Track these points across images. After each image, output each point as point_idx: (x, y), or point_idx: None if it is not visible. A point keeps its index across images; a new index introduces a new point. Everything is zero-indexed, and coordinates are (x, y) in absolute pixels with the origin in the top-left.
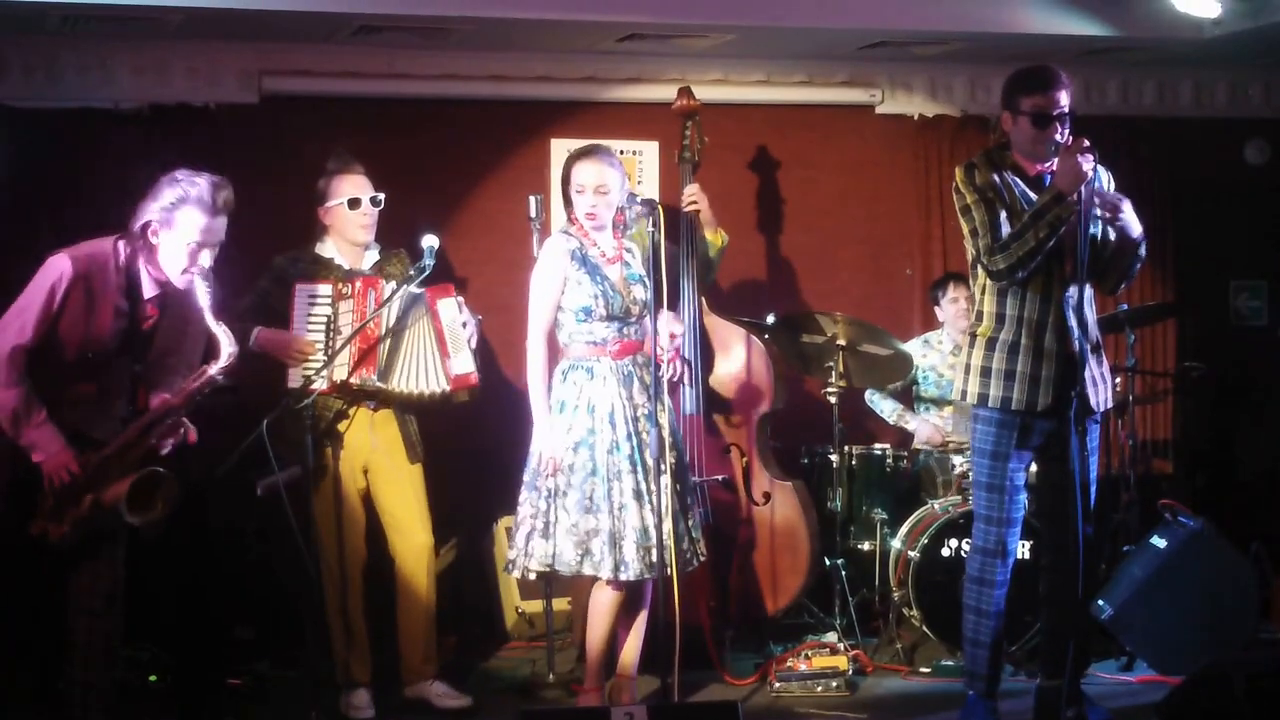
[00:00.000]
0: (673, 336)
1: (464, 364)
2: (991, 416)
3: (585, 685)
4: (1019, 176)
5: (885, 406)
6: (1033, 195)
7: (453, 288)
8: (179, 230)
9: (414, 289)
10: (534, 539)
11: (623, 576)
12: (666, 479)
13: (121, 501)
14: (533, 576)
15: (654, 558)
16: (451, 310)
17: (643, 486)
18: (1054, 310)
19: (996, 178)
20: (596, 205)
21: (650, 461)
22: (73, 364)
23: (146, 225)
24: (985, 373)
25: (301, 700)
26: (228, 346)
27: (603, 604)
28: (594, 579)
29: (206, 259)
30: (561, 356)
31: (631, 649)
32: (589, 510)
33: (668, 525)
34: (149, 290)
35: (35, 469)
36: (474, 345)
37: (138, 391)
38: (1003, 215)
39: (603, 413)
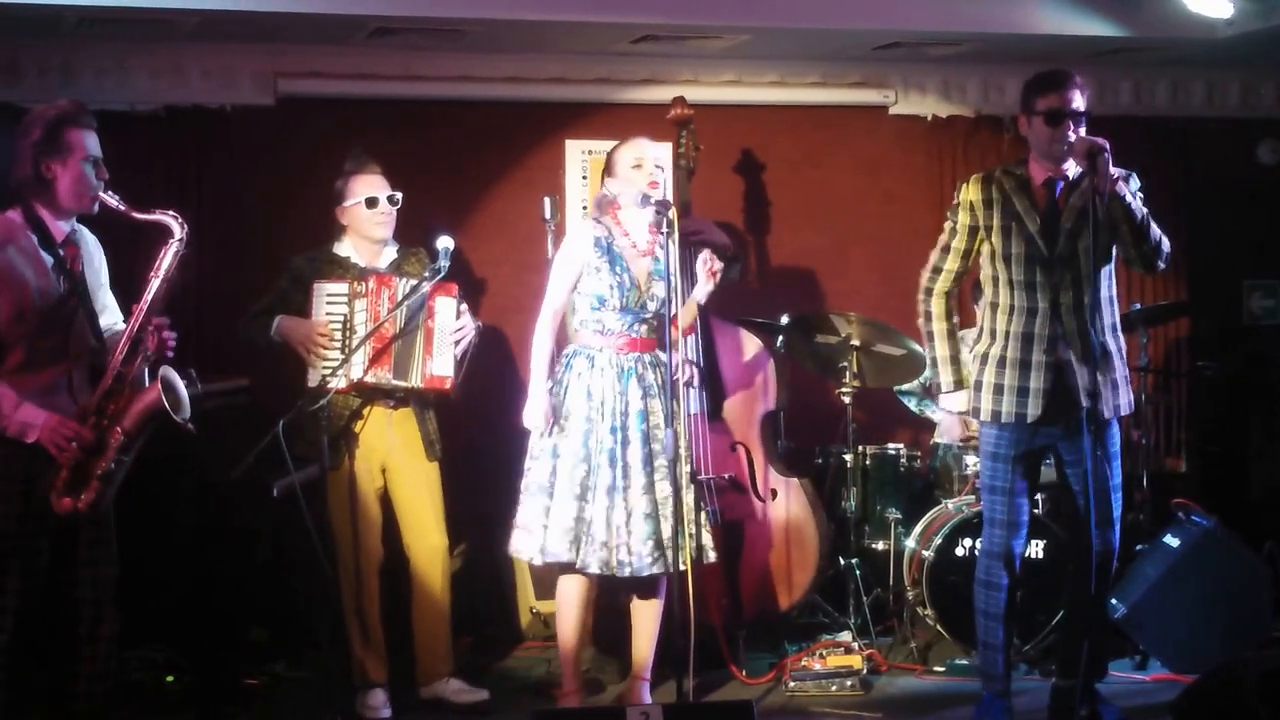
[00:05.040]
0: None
1: (442, 366)
2: (994, 422)
3: (564, 688)
4: (1022, 191)
5: (911, 399)
6: (1034, 210)
7: (455, 288)
8: (74, 152)
9: (418, 284)
10: (516, 527)
11: (588, 571)
12: (684, 478)
13: (160, 405)
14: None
15: (619, 556)
16: (447, 310)
17: (618, 484)
18: (1041, 322)
19: (987, 196)
20: (655, 175)
21: (666, 460)
22: (32, 335)
23: (36, 167)
24: (978, 387)
25: (317, 701)
26: (175, 224)
27: (568, 597)
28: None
29: (105, 174)
30: (568, 342)
31: (642, 649)
32: (579, 498)
33: (683, 525)
34: (60, 234)
35: (40, 458)
36: (461, 350)
37: (100, 341)
38: (957, 242)
39: (596, 402)
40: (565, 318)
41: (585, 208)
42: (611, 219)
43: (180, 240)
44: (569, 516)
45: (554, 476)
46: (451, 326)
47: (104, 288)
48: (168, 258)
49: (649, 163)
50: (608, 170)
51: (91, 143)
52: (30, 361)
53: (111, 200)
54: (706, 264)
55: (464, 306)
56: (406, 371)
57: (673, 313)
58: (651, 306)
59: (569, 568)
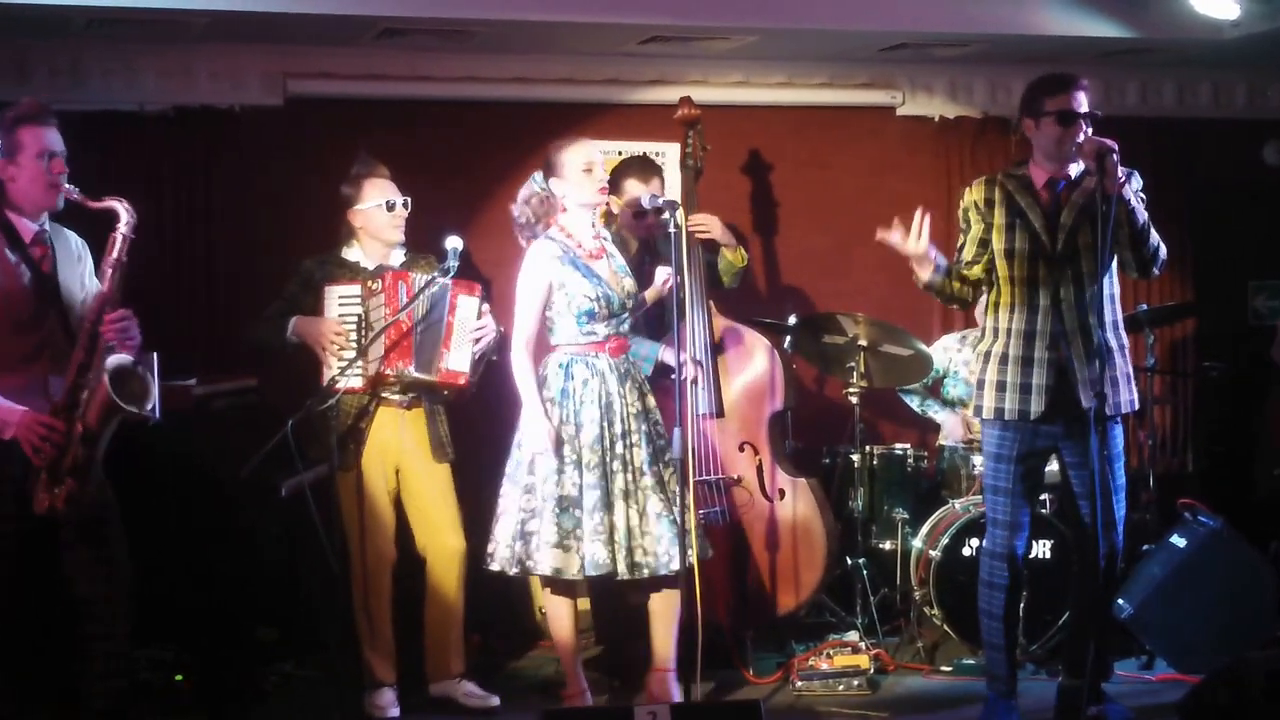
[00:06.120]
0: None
1: (459, 362)
2: (996, 421)
3: (568, 690)
4: (1025, 190)
5: (914, 399)
6: (1037, 207)
7: (479, 288)
8: (26, 149)
9: (445, 281)
10: (542, 546)
11: (619, 577)
12: (690, 478)
13: (109, 396)
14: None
15: (637, 558)
16: (469, 308)
17: (631, 486)
18: (1043, 318)
19: (989, 196)
20: (603, 180)
21: (675, 460)
22: (4, 337)
23: None
24: (981, 385)
25: (326, 700)
26: (123, 209)
27: (560, 612)
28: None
29: (62, 168)
30: (556, 350)
31: (664, 642)
32: (605, 507)
33: (689, 522)
34: (27, 233)
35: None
36: (480, 349)
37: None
38: (971, 233)
39: (604, 407)
40: (542, 334)
41: (525, 218)
42: (556, 228)
43: (128, 224)
44: (604, 525)
45: (579, 489)
46: (472, 325)
47: (86, 286)
48: (117, 244)
49: (598, 167)
50: (551, 170)
51: (48, 138)
52: (3, 363)
53: (72, 193)
54: (665, 280)
55: (486, 307)
56: (421, 364)
57: (680, 310)
58: (629, 304)
59: (572, 582)
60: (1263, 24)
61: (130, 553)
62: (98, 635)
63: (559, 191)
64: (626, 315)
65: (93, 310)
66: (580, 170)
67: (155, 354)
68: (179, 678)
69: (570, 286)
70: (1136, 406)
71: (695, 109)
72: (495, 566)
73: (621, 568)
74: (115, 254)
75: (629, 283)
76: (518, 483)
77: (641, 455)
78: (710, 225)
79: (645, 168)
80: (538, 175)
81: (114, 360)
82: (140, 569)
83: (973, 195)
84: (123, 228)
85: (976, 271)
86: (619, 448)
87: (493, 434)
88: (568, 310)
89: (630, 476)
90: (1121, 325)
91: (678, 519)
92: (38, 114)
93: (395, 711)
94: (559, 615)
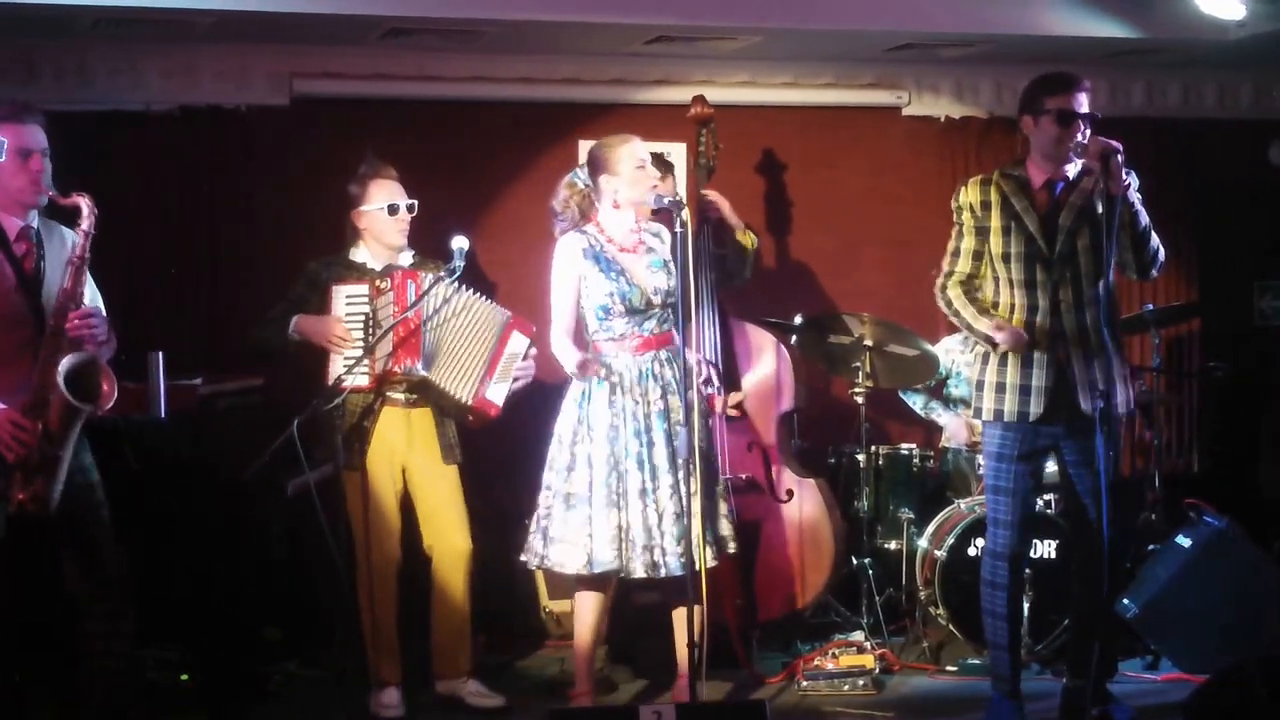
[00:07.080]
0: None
1: (496, 394)
2: (997, 422)
3: (577, 688)
4: (1021, 192)
5: (916, 400)
6: (1033, 210)
7: (533, 330)
8: (5, 146)
9: (503, 310)
10: (553, 541)
11: (633, 576)
12: (695, 479)
13: (63, 396)
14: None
15: (654, 557)
16: (519, 345)
17: (648, 486)
18: (1042, 320)
19: (985, 199)
20: (656, 177)
21: (680, 460)
22: None
23: None
24: (980, 386)
25: (331, 699)
26: (85, 204)
27: (586, 609)
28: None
29: (46, 166)
30: (585, 348)
31: (683, 647)
32: (614, 505)
33: (696, 527)
34: (12, 230)
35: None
36: (517, 386)
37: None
38: (965, 243)
39: (619, 408)
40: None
41: (570, 216)
42: (593, 224)
43: (89, 221)
44: (611, 524)
45: (590, 485)
46: (518, 363)
47: (81, 283)
48: (79, 241)
49: (649, 163)
50: (601, 167)
51: (27, 135)
52: None
53: (48, 190)
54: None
55: (534, 351)
56: (460, 383)
57: (685, 311)
58: (656, 300)
59: (607, 576)
60: (1268, 24)
61: (135, 552)
62: (98, 635)
63: (609, 188)
64: (654, 313)
65: (57, 308)
66: (634, 167)
67: (160, 353)
68: (184, 677)
69: (590, 281)
70: (1133, 407)
71: (708, 107)
72: (535, 564)
73: (636, 565)
74: (78, 251)
75: (661, 280)
76: (543, 479)
77: (661, 455)
78: (720, 203)
79: (661, 167)
80: (580, 172)
81: (68, 360)
82: (145, 569)
83: (968, 196)
84: (84, 224)
85: (987, 280)
86: (634, 446)
87: (497, 438)
88: (589, 305)
89: (647, 476)
90: (1118, 325)
91: (700, 518)
92: (16, 113)
93: (400, 711)
94: (582, 610)
